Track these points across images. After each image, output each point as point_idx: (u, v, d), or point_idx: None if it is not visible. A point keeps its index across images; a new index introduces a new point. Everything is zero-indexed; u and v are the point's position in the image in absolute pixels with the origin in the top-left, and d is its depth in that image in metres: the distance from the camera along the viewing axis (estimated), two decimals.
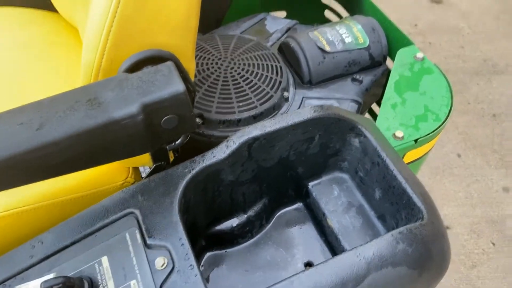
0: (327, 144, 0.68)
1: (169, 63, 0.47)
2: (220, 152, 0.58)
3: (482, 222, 1.47)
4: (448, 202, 1.53)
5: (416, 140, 0.76)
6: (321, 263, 0.48)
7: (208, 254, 0.68)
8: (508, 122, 1.76)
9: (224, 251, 0.69)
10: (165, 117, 0.46)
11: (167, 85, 0.45)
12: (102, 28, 0.46)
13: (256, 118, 0.82)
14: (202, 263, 0.67)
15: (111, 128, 0.43)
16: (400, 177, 0.59)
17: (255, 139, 0.59)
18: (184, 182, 0.55)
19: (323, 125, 0.63)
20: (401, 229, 0.51)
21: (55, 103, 0.44)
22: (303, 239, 0.71)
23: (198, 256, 0.67)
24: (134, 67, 0.48)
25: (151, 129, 0.46)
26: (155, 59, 0.48)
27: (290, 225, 0.73)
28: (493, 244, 1.42)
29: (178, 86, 0.45)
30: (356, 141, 0.67)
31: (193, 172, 0.56)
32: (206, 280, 0.65)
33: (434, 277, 0.53)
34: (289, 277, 0.47)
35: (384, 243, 0.50)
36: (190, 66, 0.54)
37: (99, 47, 0.47)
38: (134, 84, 0.45)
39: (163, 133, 0.48)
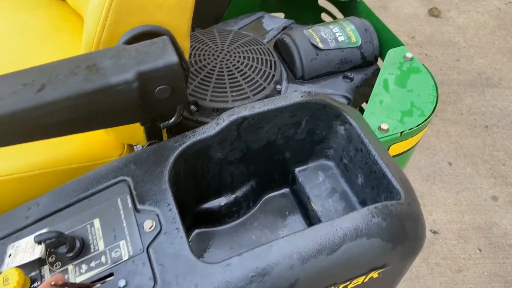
0: (314, 131, 0.71)
1: (164, 37, 0.51)
2: (210, 129, 0.61)
3: (470, 229, 1.50)
4: (437, 208, 1.56)
5: (401, 133, 0.79)
6: (299, 231, 0.51)
7: (196, 231, 0.71)
8: (499, 133, 1.79)
9: (211, 229, 0.72)
10: (159, 87, 0.49)
11: (161, 56, 0.48)
12: (103, 4, 0.50)
13: None
14: (190, 239, 0.70)
15: (108, 93, 0.47)
16: (380, 162, 0.62)
17: (244, 118, 0.62)
18: (174, 155, 0.58)
19: (309, 110, 0.67)
20: (377, 204, 0.54)
21: (57, 67, 0.47)
22: (288, 222, 0.74)
23: (187, 232, 0.70)
24: (132, 41, 0.51)
25: (145, 97, 0.50)
26: (151, 34, 0.52)
27: (276, 209, 0.76)
28: (480, 250, 1.44)
29: (172, 57, 0.48)
30: (341, 129, 0.70)
31: (184, 146, 0.59)
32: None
33: (407, 253, 0.56)
34: (269, 242, 0.50)
35: (359, 216, 0.53)
36: (185, 45, 0.58)
37: (99, 21, 0.51)
38: (131, 54, 0.49)
39: (157, 103, 0.51)
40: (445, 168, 1.68)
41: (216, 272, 0.48)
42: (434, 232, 1.49)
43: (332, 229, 0.51)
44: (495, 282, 1.36)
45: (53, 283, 0.44)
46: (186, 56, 0.59)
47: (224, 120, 0.61)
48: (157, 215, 0.53)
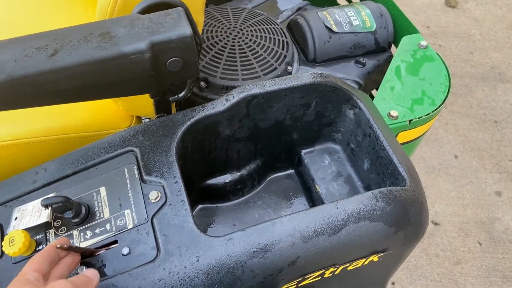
0: (323, 113, 0.71)
1: (179, 9, 0.50)
2: (219, 104, 0.61)
3: (471, 222, 1.50)
4: (440, 200, 1.56)
5: (410, 121, 0.79)
6: (303, 210, 0.52)
7: (200, 206, 0.72)
8: (508, 129, 1.78)
9: (215, 205, 0.73)
10: (171, 59, 0.49)
11: (175, 27, 0.48)
12: None
13: None
14: (193, 214, 0.71)
15: (120, 62, 0.47)
16: (388, 148, 0.62)
17: (254, 96, 0.62)
18: (183, 128, 0.58)
19: (320, 92, 0.66)
20: (381, 189, 0.54)
21: (70, 33, 0.47)
22: (292, 203, 0.75)
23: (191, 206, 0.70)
24: (146, 10, 0.51)
25: (157, 68, 0.49)
26: (166, 5, 0.51)
27: (280, 189, 0.76)
28: (480, 244, 1.44)
29: (186, 30, 0.48)
30: (350, 113, 0.70)
31: (192, 120, 0.59)
32: None
33: (409, 239, 0.56)
34: (272, 219, 0.50)
35: (364, 199, 0.53)
36: (199, 19, 0.57)
37: None
38: (145, 23, 0.48)
39: (168, 75, 0.51)
40: (451, 160, 1.68)
41: (218, 245, 0.49)
42: (435, 224, 1.49)
43: (336, 210, 0.52)
44: (493, 276, 1.36)
45: (58, 245, 0.45)
46: (200, 30, 0.59)
47: (234, 96, 0.61)
48: (163, 187, 0.53)
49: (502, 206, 1.54)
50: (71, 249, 0.47)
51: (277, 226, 0.50)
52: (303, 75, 0.65)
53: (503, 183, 1.60)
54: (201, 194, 0.71)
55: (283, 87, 0.63)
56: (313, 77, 0.65)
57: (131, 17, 0.49)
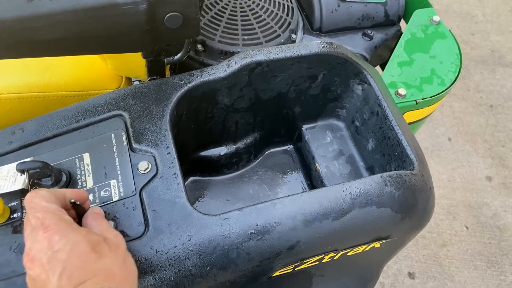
0: (329, 87, 0.66)
1: None
2: (220, 70, 0.55)
3: (460, 206, 1.49)
4: None
5: (417, 101, 0.75)
6: (306, 191, 0.47)
7: (191, 178, 0.67)
8: (503, 114, 1.76)
9: (208, 178, 0.68)
10: (170, 13, 0.43)
11: None
12: None
13: None
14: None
15: (110, 12, 0.41)
16: (397, 128, 0.58)
17: (258, 63, 0.57)
18: (178, 94, 0.53)
19: (329, 63, 0.61)
20: (391, 173, 0.50)
21: None
22: (289, 180, 0.71)
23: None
24: None
25: (153, 23, 0.44)
26: None
27: (277, 165, 0.72)
28: (467, 227, 1.44)
29: None
30: (359, 88, 0.65)
31: (190, 85, 0.54)
32: None
33: (415, 226, 0.53)
34: (273, 199, 0.46)
35: (372, 182, 0.49)
36: None
37: None
38: None
39: (165, 32, 0.45)
40: (444, 143, 1.66)
41: (213, 225, 0.45)
42: None
43: (342, 193, 0.48)
44: (478, 260, 1.37)
45: (73, 200, 0.40)
46: None
47: (236, 63, 0.56)
48: (154, 157, 0.48)
49: (491, 191, 1.53)
50: (76, 206, 0.41)
51: (278, 207, 0.46)
52: (312, 44, 0.60)
53: (494, 169, 1.59)
54: (193, 166, 0.66)
55: (290, 55, 0.58)
56: (323, 47, 0.59)
57: None
